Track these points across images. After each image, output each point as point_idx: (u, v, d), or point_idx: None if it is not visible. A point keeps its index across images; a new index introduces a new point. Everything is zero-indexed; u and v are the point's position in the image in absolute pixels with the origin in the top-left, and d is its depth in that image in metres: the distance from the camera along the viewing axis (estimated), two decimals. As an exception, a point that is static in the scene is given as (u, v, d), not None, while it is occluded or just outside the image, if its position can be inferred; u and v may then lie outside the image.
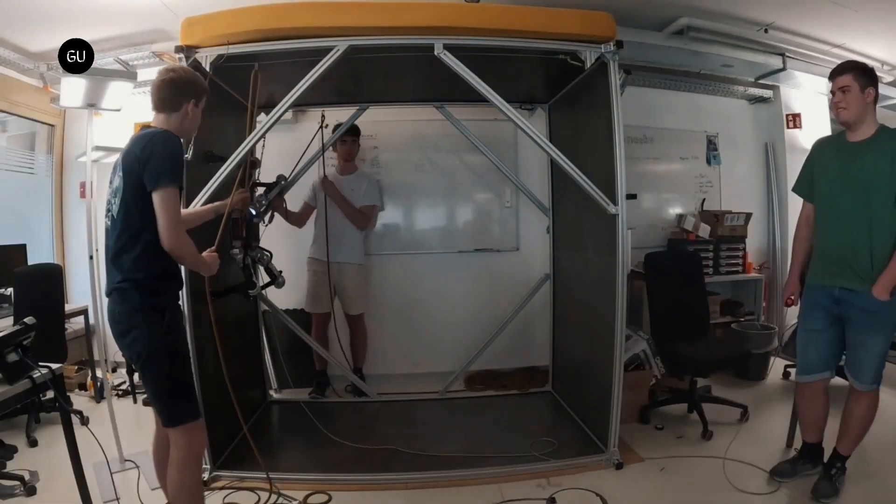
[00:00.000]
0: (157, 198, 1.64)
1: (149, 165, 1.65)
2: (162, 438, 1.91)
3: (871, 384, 2.11)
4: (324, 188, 3.35)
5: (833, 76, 2.13)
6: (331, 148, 3.41)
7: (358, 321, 3.56)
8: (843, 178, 2.12)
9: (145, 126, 1.83)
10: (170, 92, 1.81)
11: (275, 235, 3.04)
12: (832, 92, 2.13)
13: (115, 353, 3.66)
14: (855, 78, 2.05)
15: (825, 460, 2.28)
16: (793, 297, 2.40)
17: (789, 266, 2.48)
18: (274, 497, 2.24)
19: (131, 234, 1.71)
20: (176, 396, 1.78)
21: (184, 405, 1.79)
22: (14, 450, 2.59)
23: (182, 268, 1.94)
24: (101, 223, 3.87)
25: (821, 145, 2.32)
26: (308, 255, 3.49)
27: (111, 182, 1.80)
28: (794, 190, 2.44)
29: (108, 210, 1.79)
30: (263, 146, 2.97)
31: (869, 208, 2.04)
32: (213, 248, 2.03)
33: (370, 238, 3.74)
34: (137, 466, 2.46)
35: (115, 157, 4.00)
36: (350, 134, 3.41)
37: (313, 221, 3.48)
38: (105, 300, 2.64)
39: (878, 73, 4.09)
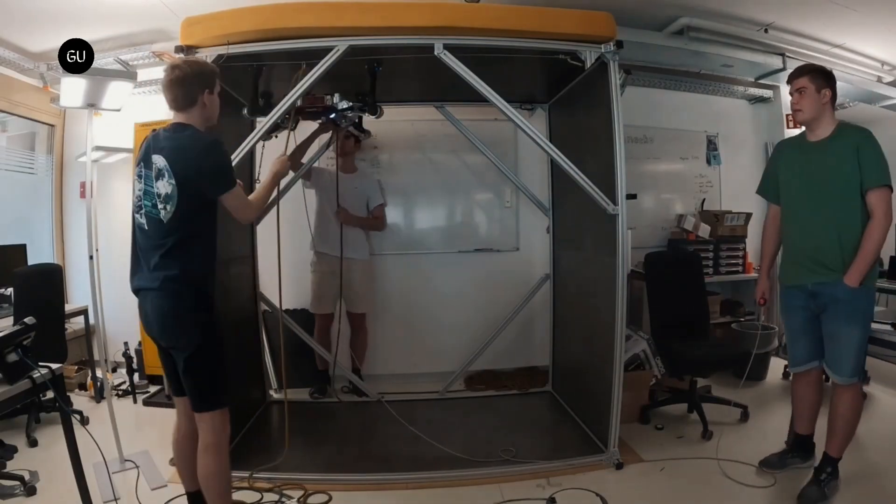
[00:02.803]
0: (227, 200, 1.84)
1: (208, 178, 1.79)
2: (185, 430, 1.96)
3: (850, 377, 2.11)
4: (338, 218, 3.28)
5: (790, 79, 2.22)
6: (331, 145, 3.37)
7: (361, 321, 3.53)
8: (808, 177, 2.18)
9: (179, 125, 1.83)
10: (180, 90, 1.82)
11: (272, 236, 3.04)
12: (790, 94, 2.22)
13: (115, 353, 3.68)
14: (811, 80, 2.13)
15: (816, 465, 2.26)
16: (765, 297, 2.47)
17: (759, 266, 2.55)
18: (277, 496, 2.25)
19: (185, 236, 1.80)
20: (216, 385, 1.87)
21: (221, 392, 1.89)
22: (14, 450, 2.59)
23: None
24: (100, 223, 3.87)
25: (783, 147, 2.38)
26: (313, 250, 3.40)
27: (152, 184, 1.79)
28: (758, 192, 2.51)
29: (146, 207, 1.81)
30: (263, 146, 2.97)
31: (834, 205, 2.10)
32: (283, 154, 2.23)
33: (374, 235, 3.72)
34: (137, 466, 2.46)
35: (115, 158, 4.02)
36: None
37: (313, 212, 3.39)
38: (105, 300, 2.69)
39: (878, 73, 4.11)
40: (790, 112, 4.30)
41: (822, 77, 2.14)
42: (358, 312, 3.50)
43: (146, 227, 1.82)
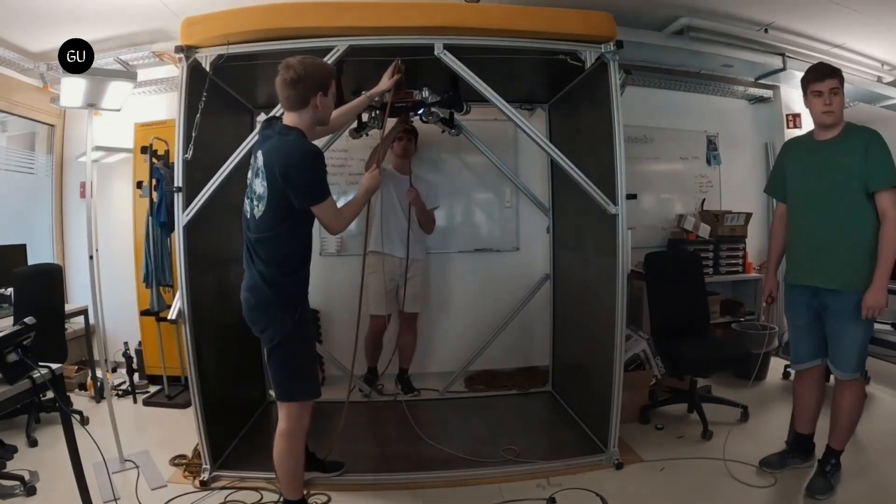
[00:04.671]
0: (317, 212, 1.84)
1: (296, 187, 1.78)
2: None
3: (852, 372, 2.13)
4: (408, 197, 3.23)
5: (823, 77, 2.12)
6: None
7: (413, 320, 3.51)
8: (814, 176, 2.18)
9: (286, 127, 1.84)
10: (292, 91, 1.81)
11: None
12: (819, 92, 2.12)
13: (116, 353, 3.68)
14: (840, 82, 2.12)
15: (819, 457, 2.29)
16: (772, 296, 2.47)
17: (760, 266, 2.53)
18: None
19: (273, 236, 1.85)
20: (298, 376, 1.93)
21: (304, 384, 1.95)
22: (14, 450, 2.59)
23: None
24: (100, 223, 3.88)
25: (791, 146, 2.38)
26: (372, 250, 3.27)
27: (251, 181, 1.88)
28: (765, 191, 2.52)
29: (249, 198, 1.90)
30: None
31: (840, 204, 2.09)
32: (374, 166, 2.17)
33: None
34: (137, 466, 2.46)
35: (115, 158, 4.03)
36: (408, 132, 3.28)
37: (375, 214, 3.31)
38: (105, 300, 2.69)
39: (878, 73, 4.12)
40: (790, 112, 4.34)
41: (842, 78, 2.13)
42: (412, 312, 3.47)
43: (247, 216, 1.91)
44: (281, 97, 1.85)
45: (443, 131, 3.17)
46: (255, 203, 1.84)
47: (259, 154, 1.85)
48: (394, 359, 3.46)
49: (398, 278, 3.33)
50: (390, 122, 2.80)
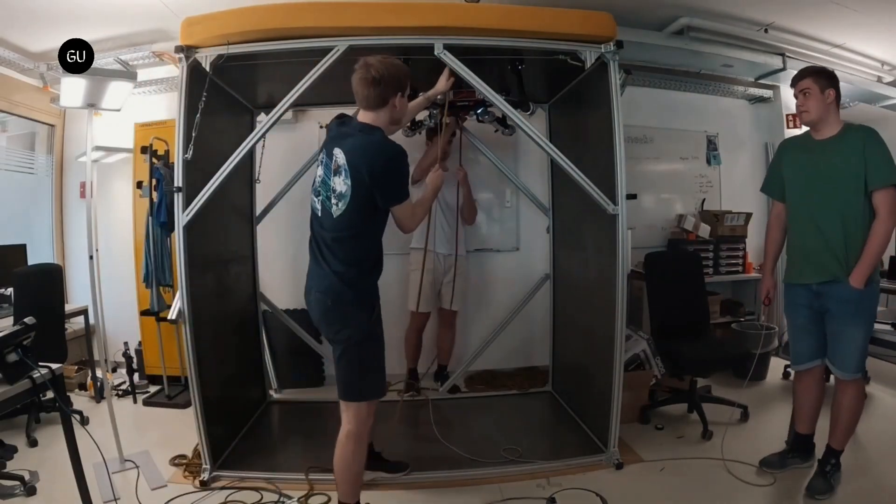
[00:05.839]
0: (397, 211, 1.85)
1: (384, 188, 1.78)
2: None
3: (853, 373, 2.14)
4: (458, 175, 3.29)
5: (794, 81, 2.23)
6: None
7: (453, 318, 3.54)
8: (814, 175, 2.18)
9: (367, 126, 1.83)
10: (373, 90, 1.80)
11: (270, 238, 3.02)
12: (794, 96, 2.23)
13: (116, 353, 3.68)
14: (814, 81, 2.14)
15: (819, 457, 2.29)
16: (769, 297, 2.48)
17: (760, 266, 2.54)
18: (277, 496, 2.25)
19: (353, 235, 1.83)
20: (369, 373, 1.89)
21: (374, 382, 1.92)
22: (14, 450, 2.59)
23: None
24: (100, 223, 3.86)
25: (788, 146, 2.39)
26: (414, 246, 3.38)
27: (326, 179, 1.83)
28: (762, 190, 2.53)
29: (322, 196, 1.85)
30: (263, 146, 2.97)
31: (840, 203, 2.10)
32: (436, 167, 2.15)
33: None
34: (137, 466, 2.46)
35: (115, 158, 4.01)
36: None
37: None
38: (105, 300, 2.69)
39: (878, 73, 4.10)
40: (790, 112, 4.33)
41: (825, 78, 2.15)
42: (452, 310, 3.50)
43: (319, 215, 1.88)
44: (359, 96, 1.82)
45: (496, 130, 3.18)
46: (335, 202, 1.80)
47: (338, 152, 1.80)
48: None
49: (441, 275, 3.37)
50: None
